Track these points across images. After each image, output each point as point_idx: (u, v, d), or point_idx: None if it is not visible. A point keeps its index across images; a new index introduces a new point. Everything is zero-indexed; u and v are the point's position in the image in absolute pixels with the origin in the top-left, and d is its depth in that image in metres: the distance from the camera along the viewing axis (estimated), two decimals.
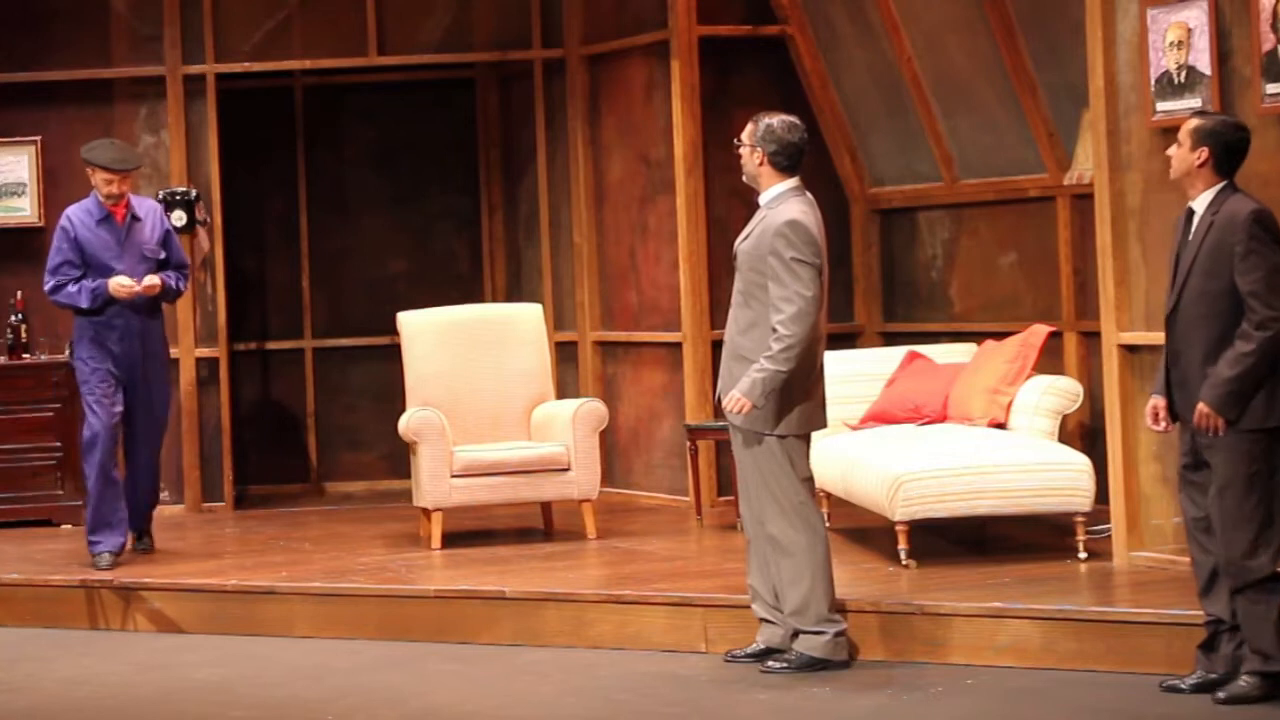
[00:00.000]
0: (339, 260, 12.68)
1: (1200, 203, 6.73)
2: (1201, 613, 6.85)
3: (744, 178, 7.56)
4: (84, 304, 9.40)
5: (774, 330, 7.29)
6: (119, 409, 9.42)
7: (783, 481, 7.38)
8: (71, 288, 9.41)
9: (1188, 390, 6.69)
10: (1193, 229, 6.73)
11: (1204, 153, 6.70)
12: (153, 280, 9.40)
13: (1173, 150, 6.78)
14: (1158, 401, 6.84)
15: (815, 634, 7.41)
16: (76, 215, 9.46)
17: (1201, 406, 6.59)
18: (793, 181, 7.46)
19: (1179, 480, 6.86)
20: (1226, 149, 6.72)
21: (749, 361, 7.35)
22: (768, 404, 7.32)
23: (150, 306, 9.53)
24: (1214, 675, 6.74)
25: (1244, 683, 6.63)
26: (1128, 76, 8.29)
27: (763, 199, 7.50)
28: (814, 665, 7.41)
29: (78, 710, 7.44)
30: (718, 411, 7.56)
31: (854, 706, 6.96)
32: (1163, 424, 6.85)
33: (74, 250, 9.41)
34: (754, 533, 7.54)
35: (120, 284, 9.33)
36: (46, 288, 9.48)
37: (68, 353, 10.43)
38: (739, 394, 7.31)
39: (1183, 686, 6.81)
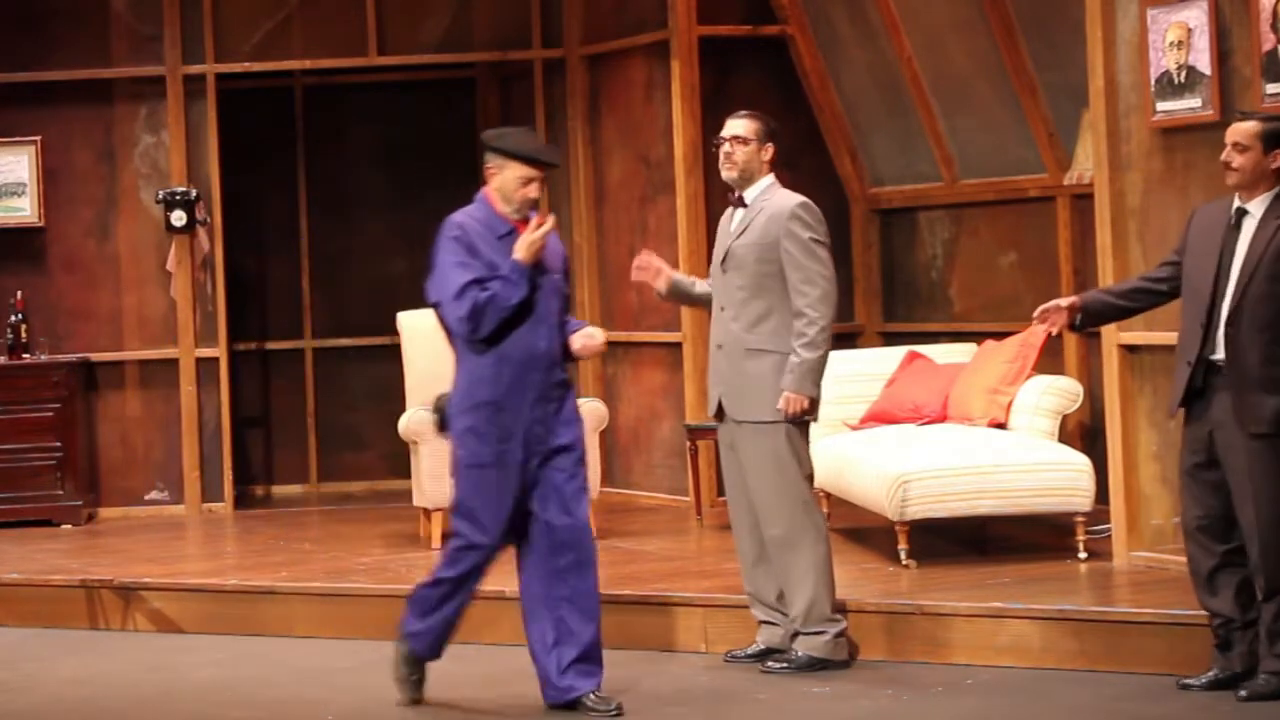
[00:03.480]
0: (339, 260, 12.68)
1: (1258, 205, 6.65)
2: (1202, 612, 6.86)
3: (732, 174, 7.52)
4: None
5: (802, 315, 7.27)
6: None
7: (790, 474, 7.37)
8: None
9: (1239, 395, 6.59)
10: (1245, 231, 6.65)
11: (1279, 156, 6.67)
12: None
13: (1232, 155, 6.65)
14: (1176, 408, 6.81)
15: (815, 634, 7.41)
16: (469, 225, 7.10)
17: None
18: (772, 175, 7.52)
19: (1185, 478, 6.84)
20: None
21: (766, 354, 7.33)
22: (770, 391, 7.32)
23: None
24: (1232, 672, 6.75)
25: (1263, 680, 6.64)
26: (1128, 76, 8.29)
27: (750, 193, 7.49)
28: (814, 665, 7.41)
29: (78, 710, 7.44)
30: (720, 414, 7.53)
31: (854, 706, 6.96)
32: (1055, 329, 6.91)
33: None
34: (751, 538, 7.53)
35: None
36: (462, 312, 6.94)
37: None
38: (789, 393, 7.29)
39: (1197, 684, 6.81)
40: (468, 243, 6.89)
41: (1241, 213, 6.69)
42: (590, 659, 7.00)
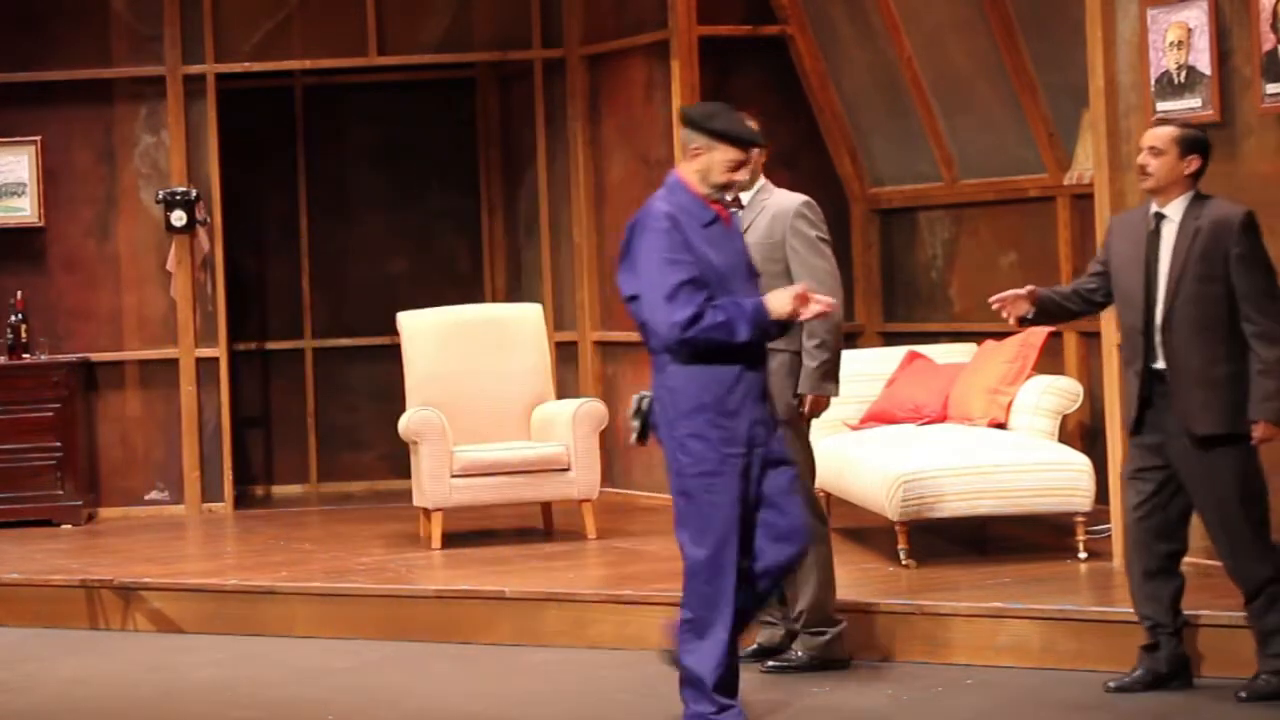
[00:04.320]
0: (339, 260, 12.68)
1: (1175, 208, 6.70)
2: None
3: (746, 178, 7.51)
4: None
5: None
6: None
7: (803, 470, 7.38)
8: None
9: (1183, 399, 6.65)
10: (1166, 236, 6.69)
11: (1195, 161, 6.70)
12: None
13: (1147, 159, 6.70)
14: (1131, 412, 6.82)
15: (815, 634, 7.41)
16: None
17: (1268, 428, 6.57)
18: (762, 174, 7.52)
19: (1127, 482, 6.89)
20: (1207, 158, 6.76)
21: (776, 353, 7.29)
22: (779, 391, 7.32)
23: None
24: (1158, 673, 6.84)
25: (1263, 680, 6.69)
26: (1128, 76, 8.29)
27: (748, 194, 7.48)
28: (814, 665, 7.41)
29: (78, 710, 7.44)
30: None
31: (854, 706, 6.96)
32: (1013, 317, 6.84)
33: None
34: None
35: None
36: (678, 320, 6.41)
37: None
38: (809, 394, 7.29)
39: (1124, 684, 6.87)
40: (680, 236, 6.35)
41: (1160, 217, 6.74)
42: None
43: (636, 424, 6.59)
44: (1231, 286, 6.59)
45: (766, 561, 6.43)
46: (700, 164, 6.45)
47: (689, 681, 6.43)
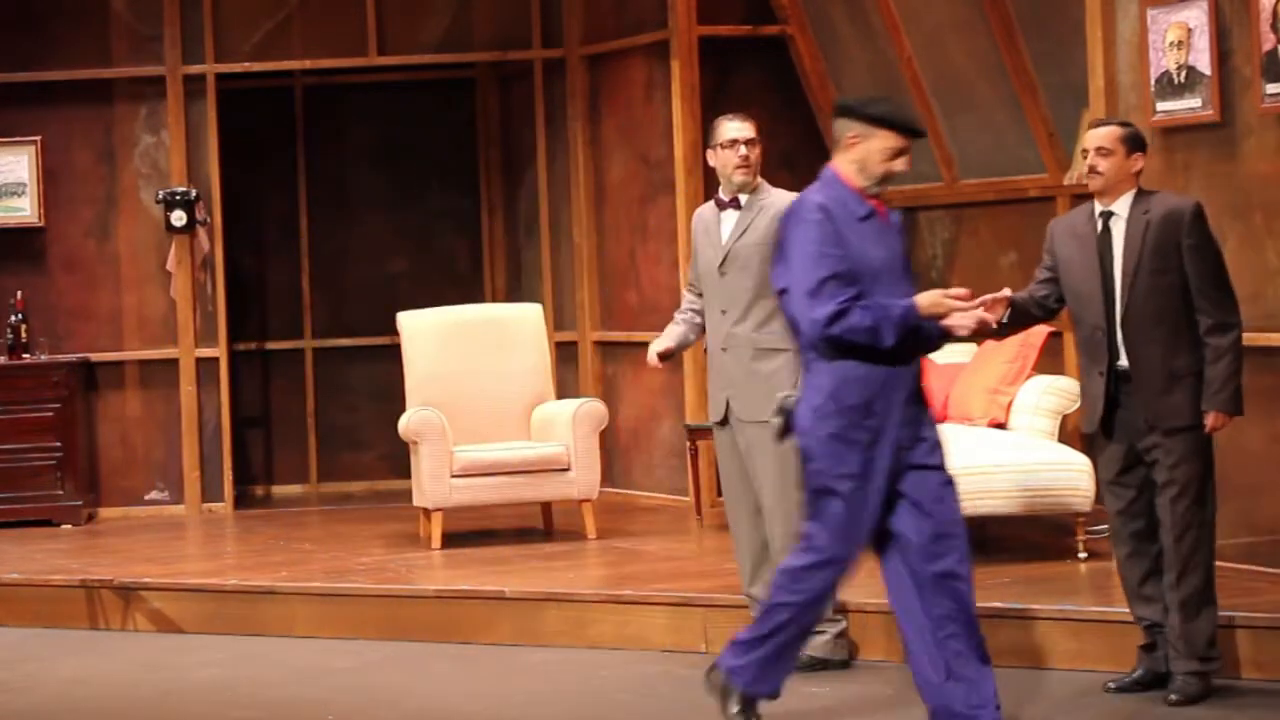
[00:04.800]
0: (339, 260, 12.69)
1: (1123, 205, 6.72)
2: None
3: (748, 178, 7.50)
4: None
5: None
6: None
7: (797, 474, 7.37)
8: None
9: (1145, 395, 6.67)
10: (1117, 233, 6.71)
11: (1140, 158, 6.75)
12: None
13: (1096, 160, 6.70)
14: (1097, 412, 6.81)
15: (815, 634, 7.40)
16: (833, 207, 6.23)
17: (1218, 417, 6.59)
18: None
19: (1109, 489, 6.87)
20: (1146, 155, 6.81)
21: (778, 352, 7.33)
22: (782, 390, 7.32)
23: None
24: (1156, 672, 6.85)
25: (1184, 681, 6.74)
26: (1128, 76, 8.29)
27: (748, 195, 7.48)
28: (814, 665, 7.41)
29: (78, 710, 7.44)
30: (725, 419, 7.52)
31: (854, 706, 6.96)
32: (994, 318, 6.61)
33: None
34: (752, 541, 7.53)
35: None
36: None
37: None
38: None
39: (1124, 684, 6.89)
40: (832, 229, 6.06)
41: (1108, 215, 6.75)
42: None
43: (778, 422, 6.31)
44: (1184, 277, 6.63)
45: (940, 567, 6.16)
46: (857, 154, 6.16)
47: (726, 670, 6.35)
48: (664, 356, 7.77)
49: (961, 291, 6.19)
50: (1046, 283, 6.95)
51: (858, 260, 6.06)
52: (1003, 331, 6.83)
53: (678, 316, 7.83)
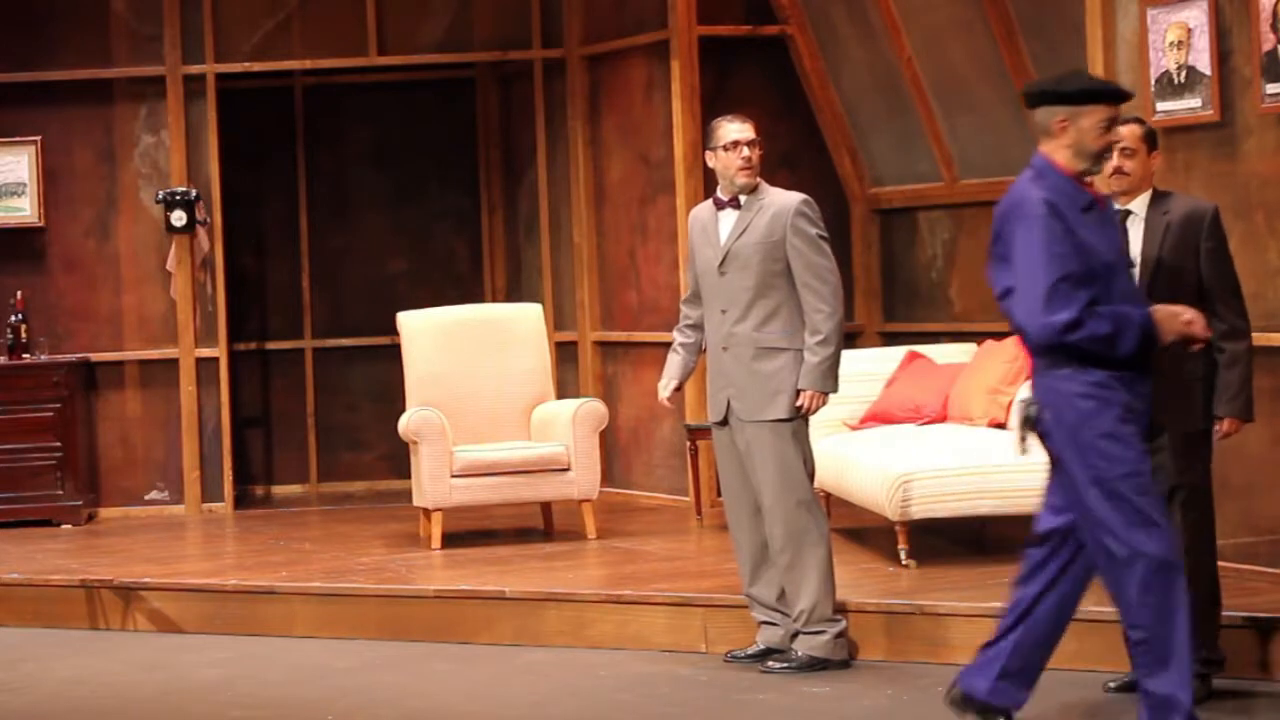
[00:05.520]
0: (339, 260, 12.69)
1: (1140, 204, 6.69)
2: None
3: (752, 180, 7.49)
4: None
5: (818, 311, 7.30)
6: None
7: (797, 473, 7.38)
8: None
9: (1158, 397, 6.58)
10: (1135, 232, 6.67)
11: (1157, 157, 6.76)
12: None
13: (1123, 160, 6.63)
14: None
15: (815, 634, 7.41)
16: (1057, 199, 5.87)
17: (1233, 423, 6.59)
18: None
19: None
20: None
21: (779, 351, 7.34)
22: (785, 390, 7.33)
23: None
24: None
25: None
26: (1128, 76, 8.29)
27: (747, 196, 7.48)
28: (814, 665, 7.41)
29: (78, 710, 7.44)
30: (725, 419, 7.52)
31: (854, 706, 6.96)
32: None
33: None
34: (751, 540, 7.53)
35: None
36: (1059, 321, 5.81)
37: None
38: (811, 390, 7.31)
39: (1122, 683, 6.88)
40: (1060, 226, 5.76)
41: (1125, 214, 6.70)
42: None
43: (1024, 433, 5.98)
44: (1199, 280, 6.60)
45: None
46: (1070, 137, 5.87)
47: (1161, 707, 5.86)
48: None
49: (1192, 315, 5.96)
50: None
51: (1088, 257, 5.77)
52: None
53: (676, 340, 7.81)
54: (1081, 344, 5.72)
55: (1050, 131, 5.89)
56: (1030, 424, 5.94)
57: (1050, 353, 5.81)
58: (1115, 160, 6.65)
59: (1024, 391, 6.10)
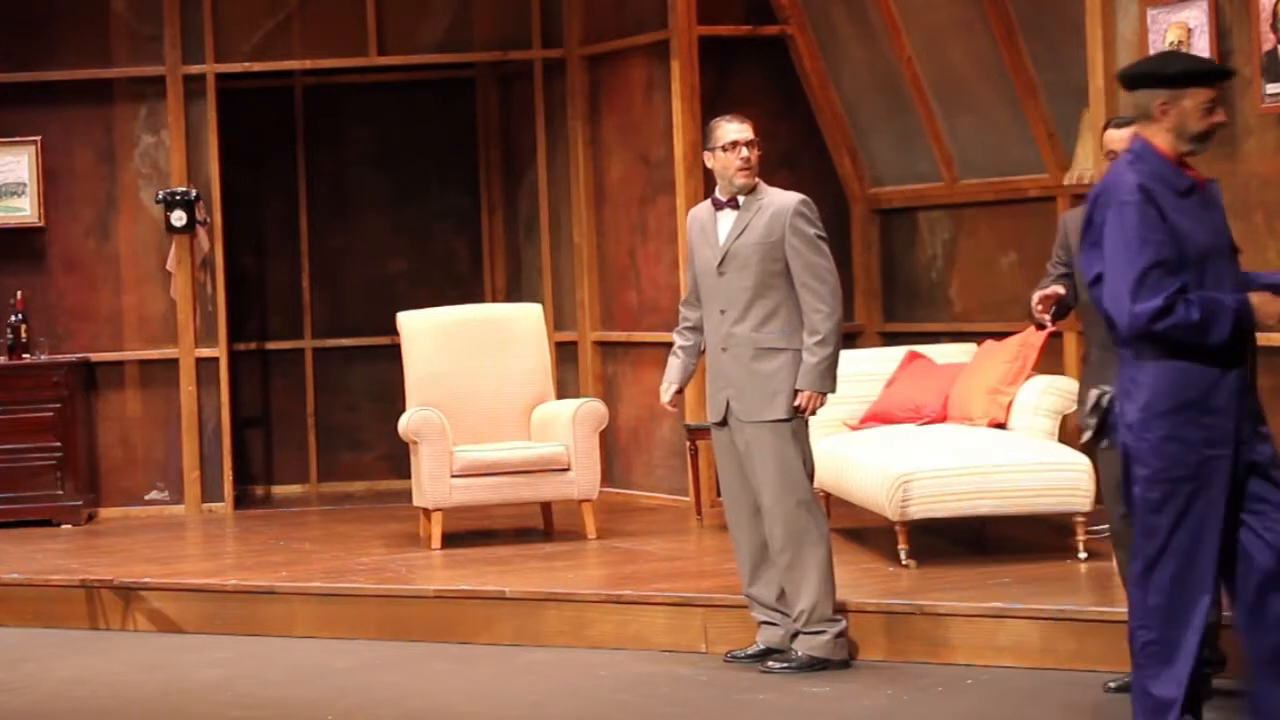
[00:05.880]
0: (339, 260, 12.69)
1: None
2: None
3: (751, 180, 7.50)
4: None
5: (817, 311, 7.31)
6: None
7: (797, 473, 7.37)
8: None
9: None
10: None
11: None
12: None
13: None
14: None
15: (815, 634, 7.41)
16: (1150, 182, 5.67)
17: None
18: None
19: (1119, 490, 6.80)
20: None
21: (779, 351, 7.34)
22: (784, 390, 7.33)
23: None
24: None
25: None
26: None
27: (746, 196, 7.48)
28: (814, 665, 7.41)
29: (78, 710, 7.44)
30: (724, 419, 7.52)
31: (854, 706, 6.96)
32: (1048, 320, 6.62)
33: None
34: (751, 540, 7.53)
35: None
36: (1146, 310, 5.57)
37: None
38: (809, 390, 7.32)
39: (1122, 682, 6.88)
40: (1154, 211, 5.52)
41: None
42: None
43: (1093, 422, 5.85)
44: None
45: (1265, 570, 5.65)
46: (1172, 119, 5.64)
47: (1151, 710, 5.73)
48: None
49: None
50: (1065, 278, 6.89)
51: (1182, 243, 5.54)
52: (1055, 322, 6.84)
53: (676, 343, 7.80)
54: (1170, 333, 5.50)
55: (1150, 114, 5.68)
56: (1100, 413, 5.81)
57: (1138, 342, 5.59)
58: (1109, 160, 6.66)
59: (1099, 385, 5.95)
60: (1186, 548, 5.59)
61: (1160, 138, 5.67)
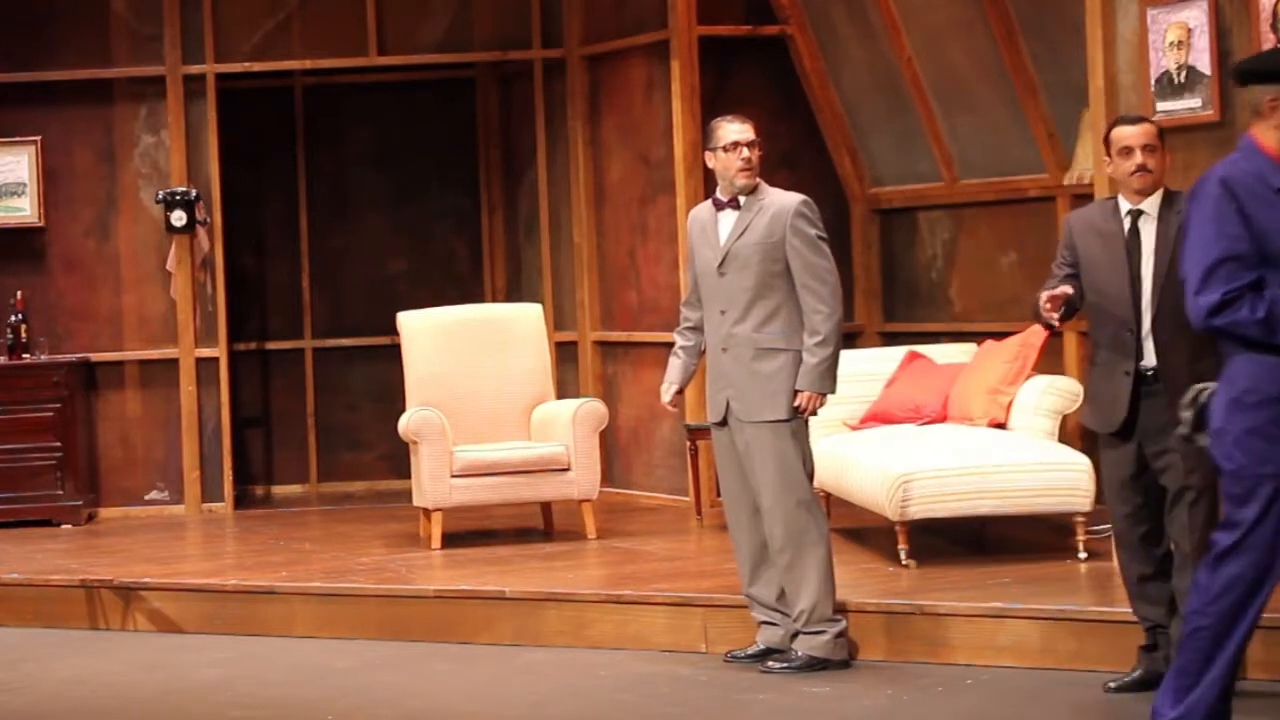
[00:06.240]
0: (339, 260, 12.69)
1: (1152, 204, 6.66)
2: None
3: (752, 181, 7.49)
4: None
5: (817, 311, 7.30)
6: None
7: (797, 474, 7.38)
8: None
9: (1171, 396, 6.53)
10: (1146, 233, 6.64)
11: (1168, 154, 6.72)
12: None
13: (1147, 158, 6.59)
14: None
15: (815, 634, 7.41)
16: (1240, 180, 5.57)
17: None
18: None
19: (1117, 490, 6.77)
20: None
21: (779, 352, 7.34)
22: (784, 390, 7.33)
23: None
24: (1158, 671, 6.80)
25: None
26: (1128, 76, 8.29)
27: (746, 196, 7.48)
28: (814, 665, 7.41)
29: (78, 710, 7.44)
30: (724, 419, 7.52)
31: (854, 706, 6.96)
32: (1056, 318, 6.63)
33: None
34: (751, 541, 7.53)
35: None
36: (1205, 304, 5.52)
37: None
38: (809, 391, 7.32)
39: (1124, 683, 6.87)
40: (1234, 206, 5.44)
41: (1137, 214, 6.67)
42: None
43: (1188, 415, 5.74)
44: None
45: None
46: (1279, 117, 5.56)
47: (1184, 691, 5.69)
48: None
49: None
50: (1071, 279, 6.88)
51: (1265, 240, 5.41)
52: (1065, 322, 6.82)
53: (677, 343, 7.80)
54: (1231, 328, 5.41)
55: (1260, 111, 5.60)
56: (1197, 408, 5.71)
57: (1221, 336, 5.51)
58: (1140, 158, 6.62)
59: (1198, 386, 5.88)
60: (1266, 544, 5.51)
61: (1267, 135, 5.58)
